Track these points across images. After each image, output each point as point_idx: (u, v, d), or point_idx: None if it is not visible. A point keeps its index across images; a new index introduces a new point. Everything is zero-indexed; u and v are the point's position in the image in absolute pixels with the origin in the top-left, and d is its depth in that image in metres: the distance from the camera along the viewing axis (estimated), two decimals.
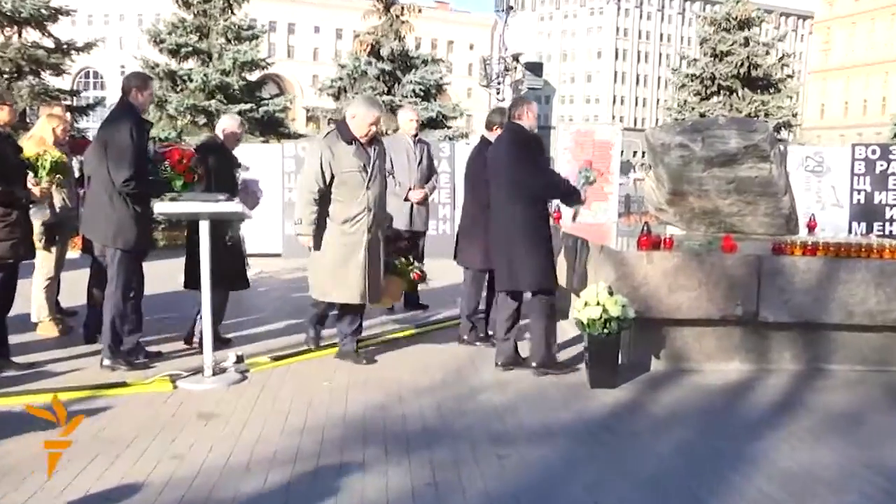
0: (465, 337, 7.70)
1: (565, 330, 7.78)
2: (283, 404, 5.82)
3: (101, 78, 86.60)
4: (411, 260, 7.79)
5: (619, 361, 6.53)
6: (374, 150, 6.79)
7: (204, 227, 6.30)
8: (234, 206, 6.37)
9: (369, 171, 6.68)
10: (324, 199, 6.63)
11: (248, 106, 20.52)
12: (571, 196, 7.01)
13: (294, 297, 10.00)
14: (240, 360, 6.76)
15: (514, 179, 6.55)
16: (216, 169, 6.99)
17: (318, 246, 6.71)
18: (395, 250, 7.63)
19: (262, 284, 11.09)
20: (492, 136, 7.46)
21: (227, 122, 7.52)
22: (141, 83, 6.60)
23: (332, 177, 6.62)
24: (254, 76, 22.07)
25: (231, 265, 7.12)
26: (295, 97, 27.72)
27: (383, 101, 30.70)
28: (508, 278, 6.68)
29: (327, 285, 6.77)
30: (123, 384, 6.22)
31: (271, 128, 21.86)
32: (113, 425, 5.30)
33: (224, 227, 6.94)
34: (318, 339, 7.44)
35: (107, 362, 6.60)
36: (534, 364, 6.71)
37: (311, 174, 6.61)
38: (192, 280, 6.88)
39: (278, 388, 6.25)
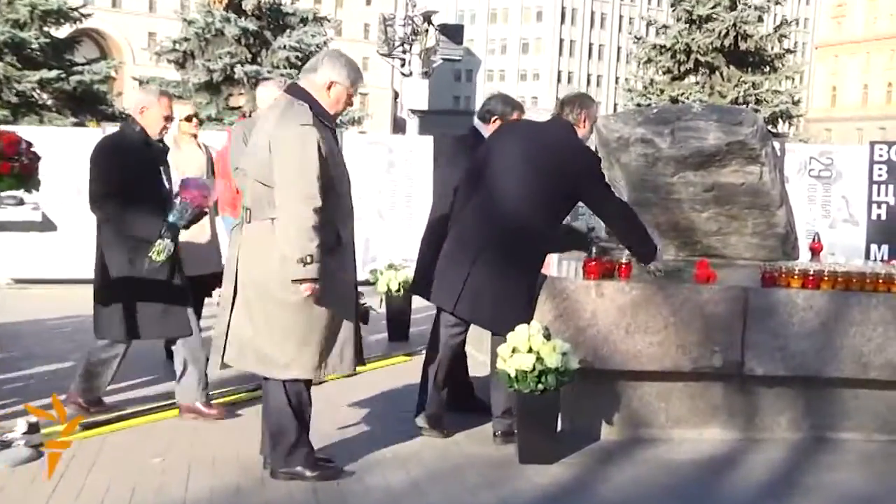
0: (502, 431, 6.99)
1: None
2: (93, 493, 5.68)
3: None
4: None
5: (558, 428, 6.58)
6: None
7: None
8: (26, 212, 6.35)
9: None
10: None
11: (53, 73, 20.25)
12: (648, 245, 7.04)
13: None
14: (33, 429, 6.60)
15: (559, 181, 6.64)
16: (137, 169, 6.96)
17: (324, 297, 5.85)
18: None
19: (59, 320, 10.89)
20: (487, 131, 7.43)
21: (143, 98, 7.35)
22: None
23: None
24: (62, 32, 21.75)
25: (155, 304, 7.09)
26: (122, 63, 27.46)
27: (246, 73, 30.59)
28: (473, 304, 6.64)
29: (314, 354, 5.94)
30: None
31: (88, 104, 21.62)
32: None
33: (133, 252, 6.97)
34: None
35: None
36: (499, 431, 6.77)
37: (309, 175, 5.65)
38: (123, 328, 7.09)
39: (87, 469, 6.10)
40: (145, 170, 6.99)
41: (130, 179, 6.84)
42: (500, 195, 6.67)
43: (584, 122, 6.86)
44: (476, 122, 7.65)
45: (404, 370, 8.85)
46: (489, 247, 6.60)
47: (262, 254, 5.73)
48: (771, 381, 6.99)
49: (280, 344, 5.78)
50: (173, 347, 7.28)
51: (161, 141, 7.22)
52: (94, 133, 14.65)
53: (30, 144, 7.10)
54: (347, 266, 5.99)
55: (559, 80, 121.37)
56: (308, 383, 5.97)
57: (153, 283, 6.89)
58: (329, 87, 5.91)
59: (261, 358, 5.84)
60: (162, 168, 7.15)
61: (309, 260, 5.54)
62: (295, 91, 5.93)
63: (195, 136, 9.05)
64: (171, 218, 6.89)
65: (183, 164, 8.57)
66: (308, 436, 6.00)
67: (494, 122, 7.43)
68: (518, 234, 6.58)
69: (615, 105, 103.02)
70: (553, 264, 8.23)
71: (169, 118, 7.14)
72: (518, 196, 6.64)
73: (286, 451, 5.91)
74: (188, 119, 8.84)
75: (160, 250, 6.79)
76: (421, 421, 6.91)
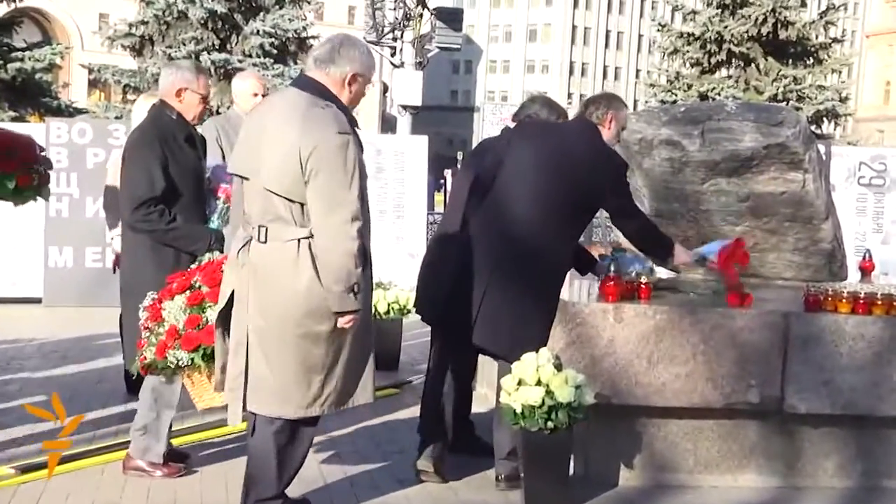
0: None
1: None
2: None
3: None
4: None
5: (571, 472, 6.59)
6: None
7: None
8: None
9: None
10: None
11: None
12: (663, 243, 7.24)
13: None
14: None
15: (580, 193, 6.69)
16: (176, 160, 6.82)
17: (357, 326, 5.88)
18: None
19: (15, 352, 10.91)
20: None
21: (179, 76, 7.24)
22: None
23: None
24: None
25: None
26: (69, 49, 27.43)
27: (213, 62, 30.47)
28: (487, 332, 6.66)
29: (339, 389, 5.95)
30: None
31: (28, 96, 21.62)
32: None
33: None
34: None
35: None
36: (502, 474, 6.76)
37: (354, 193, 5.59)
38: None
39: None
40: (189, 166, 6.79)
41: (173, 179, 6.63)
42: (514, 207, 6.70)
43: (611, 123, 6.90)
44: (511, 124, 7.59)
45: (392, 404, 8.89)
46: (502, 266, 6.62)
47: (284, 282, 5.57)
48: (815, 420, 6.99)
49: (301, 381, 5.67)
50: (145, 381, 6.93)
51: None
52: (36, 129, 14.64)
53: (41, 148, 7.10)
54: (371, 286, 5.96)
55: (571, 73, 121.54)
56: (316, 421, 5.93)
57: None
58: (350, 82, 5.77)
59: (279, 397, 5.68)
60: (203, 163, 7.00)
61: (357, 289, 5.50)
62: (309, 86, 5.70)
63: None
64: (214, 224, 6.82)
65: None
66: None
67: None
68: (534, 250, 6.61)
69: (635, 102, 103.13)
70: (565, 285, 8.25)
71: (206, 99, 7.00)
72: (533, 207, 6.66)
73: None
74: None
75: None
76: (424, 464, 6.86)
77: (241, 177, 5.82)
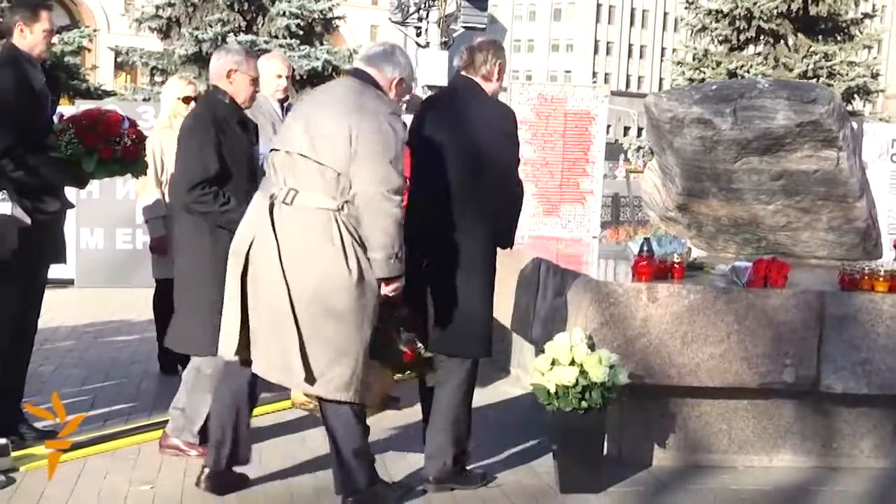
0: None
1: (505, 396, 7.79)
2: None
3: None
4: None
5: (605, 452, 6.57)
6: None
7: None
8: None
9: None
10: None
11: None
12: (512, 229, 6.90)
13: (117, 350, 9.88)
14: (2, 451, 6.62)
15: (487, 160, 6.36)
16: (229, 144, 6.82)
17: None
18: None
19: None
20: None
21: (229, 59, 7.22)
22: (29, 15, 6.83)
23: None
24: None
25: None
26: (97, 31, 27.46)
27: (240, 44, 30.41)
28: (449, 335, 6.39)
29: (367, 374, 6.11)
30: None
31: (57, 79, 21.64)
32: None
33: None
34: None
35: None
36: (430, 477, 6.47)
37: (399, 168, 5.90)
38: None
39: (64, 499, 6.13)
40: (241, 150, 6.81)
41: (226, 162, 6.65)
42: (430, 195, 6.43)
43: (497, 71, 6.63)
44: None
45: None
46: (433, 261, 6.37)
47: (309, 247, 5.76)
48: (852, 399, 6.95)
49: (314, 355, 5.78)
50: (190, 362, 7.02)
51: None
52: (66, 112, 14.57)
53: (133, 123, 7.13)
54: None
55: (596, 51, 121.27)
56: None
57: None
58: (397, 84, 6.17)
59: (289, 368, 5.80)
60: (255, 147, 6.99)
61: (397, 255, 5.78)
62: (366, 77, 6.04)
63: None
64: None
65: (175, 145, 8.62)
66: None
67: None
68: (460, 235, 6.34)
69: (660, 80, 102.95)
70: (593, 263, 8.22)
71: (256, 81, 7.00)
72: (446, 192, 6.38)
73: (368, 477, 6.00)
74: (186, 101, 8.83)
75: None
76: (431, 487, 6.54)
77: (283, 151, 5.93)
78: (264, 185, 6.09)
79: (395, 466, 6.70)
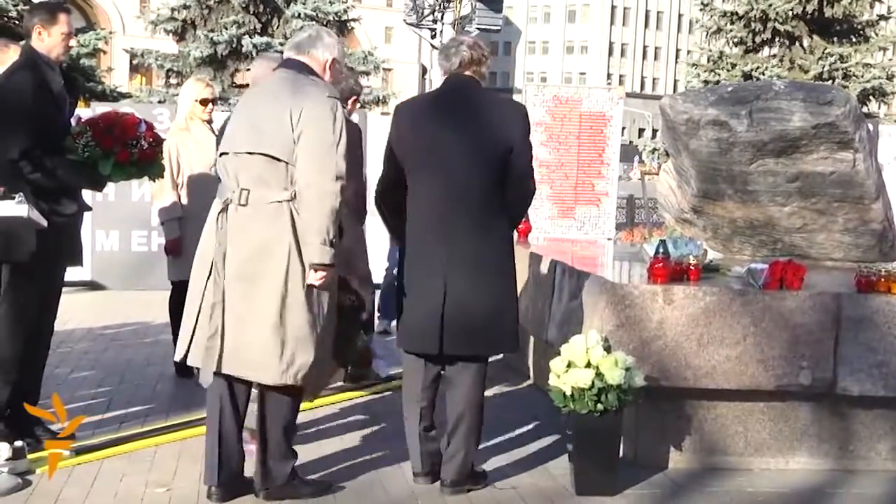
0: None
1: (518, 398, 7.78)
2: None
3: None
4: None
5: (621, 455, 6.56)
6: None
7: None
8: (10, 206, 6.42)
9: None
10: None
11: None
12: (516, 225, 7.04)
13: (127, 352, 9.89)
14: (18, 454, 6.63)
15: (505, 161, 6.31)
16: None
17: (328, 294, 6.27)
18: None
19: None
20: None
21: (266, 66, 7.22)
22: (47, 17, 6.86)
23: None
24: None
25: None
26: (112, 34, 27.50)
27: (255, 46, 30.58)
28: (479, 335, 6.33)
29: (320, 361, 6.20)
30: None
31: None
32: None
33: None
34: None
35: None
36: (448, 480, 6.41)
37: (341, 151, 5.98)
38: None
39: (81, 499, 6.14)
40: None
41: None
42: (451, 194, 6.35)
43: (484, 62, 6.55)
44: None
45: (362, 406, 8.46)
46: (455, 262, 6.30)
47: (264, 243, 5.83)
48: (868, 402, 6.93)
49: (276, 347, 5.85)
50: None
51: None
52: (83, 114, 14.59)
53: (150, 126, 7.16)
54: (338, 267, 6.09)
55: (610, 53, 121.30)
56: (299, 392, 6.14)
57: None
58: (331, 66, 6.21)
59: (256, 362, 5.88)
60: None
61: (331, 243, 5.80)
62: (296, 66, 6.08)
63: (209, 121, 9.08)
64: None
65: (192, 147, 8.66)
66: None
67: None
68: (486, 234, 6.33)
69: (675, 82, 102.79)
70: (608, 265, 8.21)
71: None
72: (470, 192, 6.32)
73: (288, 469, 6.12)
74: (203, 103, 8.85)
75: None
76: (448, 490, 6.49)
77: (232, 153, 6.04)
78: (220, 190, 6.12)
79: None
